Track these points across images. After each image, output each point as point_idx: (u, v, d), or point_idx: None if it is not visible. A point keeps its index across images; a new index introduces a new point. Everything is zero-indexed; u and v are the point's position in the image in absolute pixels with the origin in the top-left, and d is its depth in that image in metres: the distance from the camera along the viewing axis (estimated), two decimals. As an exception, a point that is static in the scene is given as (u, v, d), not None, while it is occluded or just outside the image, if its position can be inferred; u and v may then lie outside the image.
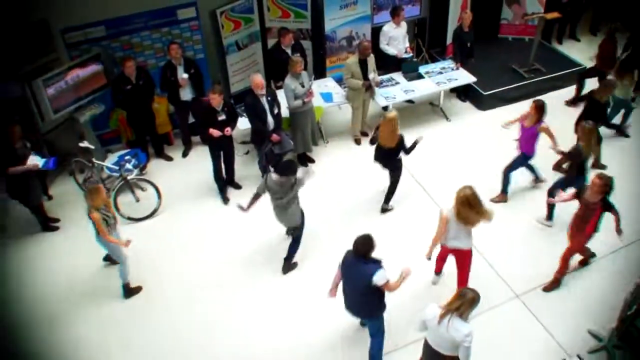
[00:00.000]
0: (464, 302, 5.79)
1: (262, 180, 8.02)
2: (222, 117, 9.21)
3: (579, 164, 8.72)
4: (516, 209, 9.59)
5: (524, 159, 9.43)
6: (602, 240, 8.90)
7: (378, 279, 6.35)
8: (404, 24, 11.41)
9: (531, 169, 9.82)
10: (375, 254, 6.49)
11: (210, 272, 8.70)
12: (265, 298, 8.29)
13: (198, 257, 8.94)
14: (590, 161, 9.04)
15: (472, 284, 7.54)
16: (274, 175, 7.74)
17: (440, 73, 11.82)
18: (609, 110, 10.47)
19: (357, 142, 11.23)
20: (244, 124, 10.15)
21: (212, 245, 9.14)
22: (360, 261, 6.43)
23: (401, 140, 8.97)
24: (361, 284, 6.47)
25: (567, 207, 8.35)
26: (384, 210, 9.60)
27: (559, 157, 9.49)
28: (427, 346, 6.21)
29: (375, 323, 6.98)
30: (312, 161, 10.54)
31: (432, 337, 6.07)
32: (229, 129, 9.26)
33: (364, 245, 6.38)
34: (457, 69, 11.84)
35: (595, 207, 7.53)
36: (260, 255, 8.97)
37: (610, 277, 8.47)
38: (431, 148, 10.47)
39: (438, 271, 8.36)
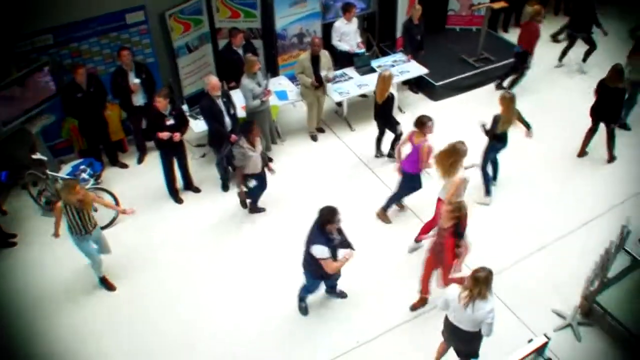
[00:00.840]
0: (481, 285, 6.03)
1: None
2: (170, 121, 9.11)
3: (493, 130, 9.22)
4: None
5: (406, 181, 9.00)
6: (563, 219, 9.23)
7: (315, 250, 6.79)
8: (355, 20, 11.46)
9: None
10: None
11: (177, 273, 8.66)
12: (238, 292, 8.35)
13: (162, 260, 8.87)
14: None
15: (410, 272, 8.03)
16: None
17: (392, 66, 11.87)
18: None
19: (314, 138, 11.25)
20: (199, 126, 10.07)
21: (176, 247, 9.09)
22: (316, 230, 6.83)
23: (389, 98, 9.87)
24: (306, 246, 7.01)
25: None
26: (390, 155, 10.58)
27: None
28: (448, 322, 6.52)
29: (308, 279, 7.52)
30: (271, 160, 10.51)
31: (455, 315, 6.33)
32: (177, 134, 9.16)
33: (323, 215, 6.75)
34: (409, 61, 11.94)
35: (446, 234, 7.13)
36: (224, 253, 9.00)
37: (572, 257, 8.68)
38: (387, 140, 10.55)
39: (419, 240, 8.67)
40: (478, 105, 11.56)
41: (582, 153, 10.66)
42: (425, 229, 8.56)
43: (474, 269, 6.18)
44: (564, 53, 13.33)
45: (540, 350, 7.35)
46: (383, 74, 9.85)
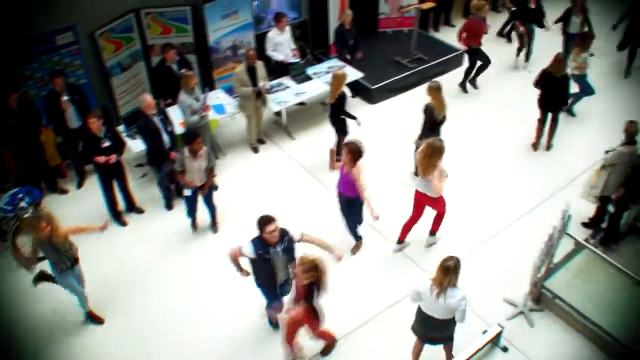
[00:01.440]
0: (451, 274, 6.12)
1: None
2: (106, 143, 8.93)
3: (431, 120, 9.51)
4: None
5: (351, 204, 8.60)
6: (504, 208, 9.46)
7: (243, 248, 6.78)
8: (287, 29, 11.50)
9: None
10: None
11: (135, 294, 8.51)
12: (198, 308, 8.22)
13: (114, 284, 8.65)
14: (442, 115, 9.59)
15: (374, 266, 8.39)
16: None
17: (328, 72, 11.86)
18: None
19: (255, 150, 11.20)
20: (137, 146, 9.92)
21: (126, 270, 8.88)
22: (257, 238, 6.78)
23: (340, 97, 9.94)
24: None
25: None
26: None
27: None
28: (420, 313, 6.58)
29: (262, 294, 7.38)
30: (214, 175, 10.38)
31: (427, 305, 6.39)
32: (113, 156, 8.99)
33: (258, 222, 6.68)
34: (344, 66, 12.00)
35: (301, 291, 6.60)
36: (179, 270, 8.86)
37: (521, 244, 8.92)
38: (327, 145, 10.55)
39: (402, 240, 9.00)
40: (415, 105, 11.68)
41: (537, 145, 11.08)
42: (406, 228, 8.89)
43: (443, 258, 6.25)
44: (527, 53, 13.74)
45: (495, 340, 7.51)
46: (336, 73, 9.96)
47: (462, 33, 12.19)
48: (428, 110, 9.49)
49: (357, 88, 12.57)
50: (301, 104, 11.96)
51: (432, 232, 9.04)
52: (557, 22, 12.93)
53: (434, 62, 13.12)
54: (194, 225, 9.47)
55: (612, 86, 12.83)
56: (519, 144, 11.22)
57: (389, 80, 12.58)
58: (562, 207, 7.24)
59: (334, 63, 12.26)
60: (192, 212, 9.30)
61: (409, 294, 6.56)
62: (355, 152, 7.96)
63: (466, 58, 12.74)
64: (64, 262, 7.45)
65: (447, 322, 6.44)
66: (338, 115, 10.13)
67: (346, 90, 10.34)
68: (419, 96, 11.98)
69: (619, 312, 7.59)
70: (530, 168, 10.63)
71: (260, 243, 6.72)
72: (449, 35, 14.47)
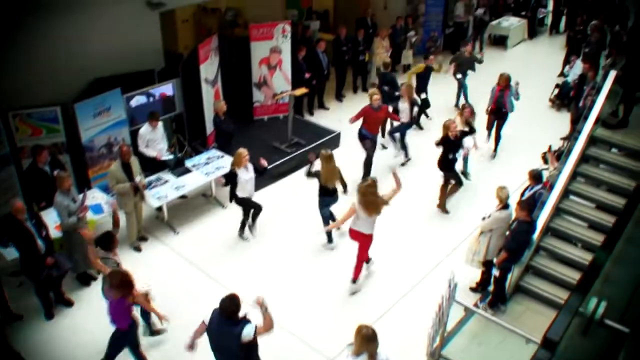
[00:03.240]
0: (371, 343, 6.04)
1: None
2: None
3: (322, 187, 10.23)
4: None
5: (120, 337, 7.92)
6: (399, 277, 9.56)
7: (246, 333, 6.50)
8: (160, 125, 11.51)
9: None
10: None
11: None
12: None
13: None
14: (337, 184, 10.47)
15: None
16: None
17: (207, 163, 11.89)
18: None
19: (137, 249, 10.76)
20: (10, 254, 9.35)
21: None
22: (228, 323, 6.54)
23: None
24: (233, 346, 6.58)
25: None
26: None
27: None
28: None
29: None
30: (95, 279, 9.91)
31: None
32: None
33: (229, 306, 6.48)
34: (223, 157, 11.98)
35: None
36: None
37: (415, 314, 9.04)
38: (212, 236, 10.42)
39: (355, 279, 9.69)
40: (296, 189, 11.90)
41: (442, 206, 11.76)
42: (358, 267, 9.60)
43: (358, 326, 6.16)
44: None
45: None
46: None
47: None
48: (317, 176, 10.16)
49: (232, 177, 12.38)
50: (182, 197, 11.76)
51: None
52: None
53: (311, 145, 13.31)
54: None
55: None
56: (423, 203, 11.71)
57: (269, 167, 12.55)
58: (448, 276, 7.42)
59: (213, 153, 12.23)
60: None
61: None
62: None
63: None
64: None
65: None
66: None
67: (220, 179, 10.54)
68: (298, 181, 12.29)
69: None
70: (422, 235, 11.02)
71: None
72: (324, 117, 14.94)
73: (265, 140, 13.65)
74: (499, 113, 13.31)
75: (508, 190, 9.03)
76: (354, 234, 9.34)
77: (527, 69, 17.65)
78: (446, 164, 11.41)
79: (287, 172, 12.90)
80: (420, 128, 14.81)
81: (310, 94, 14.65)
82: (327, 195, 10.24)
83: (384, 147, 13.82)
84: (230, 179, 10.77)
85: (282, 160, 12.92)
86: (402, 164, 13.25)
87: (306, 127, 14.30)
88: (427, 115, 15.24)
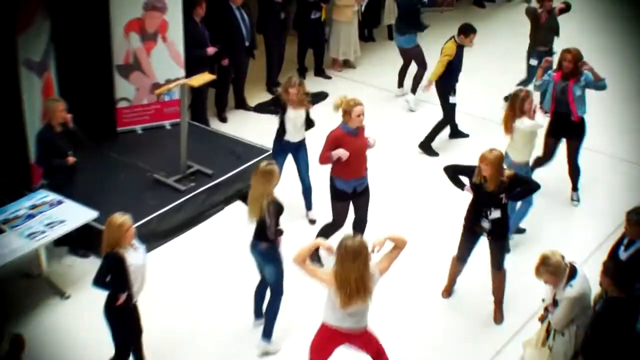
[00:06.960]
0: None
1: None
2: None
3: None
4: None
5: None
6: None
7: None
8: None
9: None
10: None
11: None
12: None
13: None
14: None
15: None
16: None
17: (32, 216, 7.31)
18: None
19: None
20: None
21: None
22: None
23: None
24: None
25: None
26: None
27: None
28: None
29: None
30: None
31: None
32: None
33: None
34: (61, 202, 7.41)
35: None
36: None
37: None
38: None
39: None
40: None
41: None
42: None
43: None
44: None
45: None
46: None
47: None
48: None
49: (91, 236, 7.37)
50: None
51: None
52: None
53: (226, 176, 8.61)
54: None
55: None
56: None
57: (142, 221, 7.61)
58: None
59: (41, 197, 7.63)
60: None
61: None
62: None
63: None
64: None
65: None
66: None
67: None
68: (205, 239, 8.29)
69: None
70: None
71: None
72: (247, 125, 10.33)
73: (139, 170, 8.77)
74: (565, 123, 8.42)
75: (560, 254, 5.90)
76: (338, 338, 5.82)
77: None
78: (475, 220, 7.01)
79: (181, 226, 8.17)
80: (463, 136, 10.35)
81: (219, 83, 9.89)
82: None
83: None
84: None
85: (170, 206, 8.06)
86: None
87: (215, 144, 9.51)
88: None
